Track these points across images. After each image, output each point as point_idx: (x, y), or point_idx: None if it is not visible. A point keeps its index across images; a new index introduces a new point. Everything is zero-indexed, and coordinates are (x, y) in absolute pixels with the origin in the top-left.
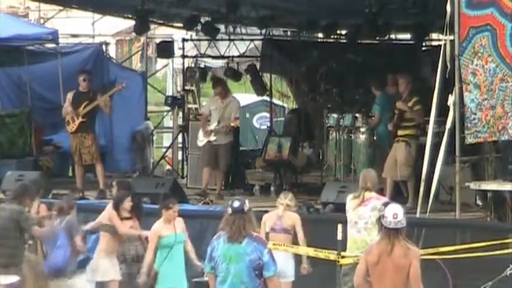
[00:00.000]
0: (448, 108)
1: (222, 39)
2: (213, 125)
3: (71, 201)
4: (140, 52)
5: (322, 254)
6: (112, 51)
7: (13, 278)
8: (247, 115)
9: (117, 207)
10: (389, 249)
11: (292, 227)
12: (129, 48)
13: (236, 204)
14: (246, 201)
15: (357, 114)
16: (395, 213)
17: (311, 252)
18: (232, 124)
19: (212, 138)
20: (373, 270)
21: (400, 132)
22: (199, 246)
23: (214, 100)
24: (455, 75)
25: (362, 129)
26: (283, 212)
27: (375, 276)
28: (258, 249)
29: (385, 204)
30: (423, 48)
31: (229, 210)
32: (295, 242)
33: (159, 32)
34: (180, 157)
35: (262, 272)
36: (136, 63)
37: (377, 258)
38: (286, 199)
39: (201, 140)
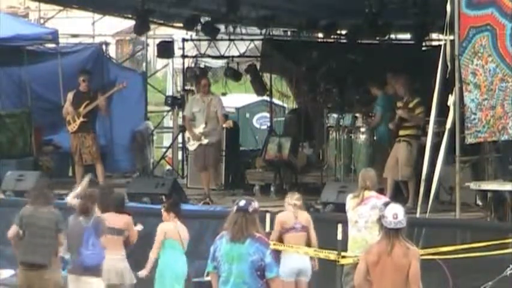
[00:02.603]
0: (448, 108)
1: (222, 39)
2: (200, 127)
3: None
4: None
5: (322, 254)
6: (112, 51)
7: (8, 272)
8: (247, 115)
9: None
10: (389, 249)
11: (308, 224)
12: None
13: (241, 203)
14: (254, 202)
15: (357, 114)
16: (396, 213)
17: (311, 252)
18: (224, 125)
19: (204, 141)
20: (373, 270)
21: (401, 132)
22: (199, 246)
23: (195, 101)
24: (455, 75)
25: (362, 129)
26: (296, 211)
27: (374, 276)
28: (260, 250)
29: (386, 204)
30: (423, 48)
31: (234, 209)
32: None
33: (159, 32)
34: (180, 157)
35: (264, 273)
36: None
37: (377, 257)
38: (293, 199)
39: (192, 144)
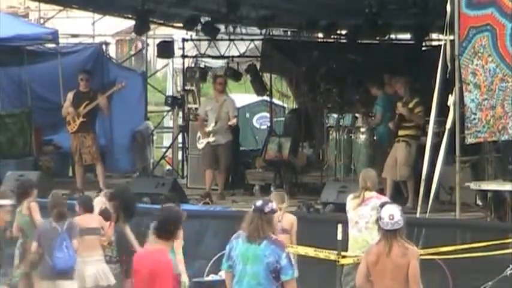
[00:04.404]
0: (448, 108)
1: (222, 39)
2: (210, 126)
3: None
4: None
5: (322, 254)
6: (112, 51)
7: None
8: (247, 115)
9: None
10: (387, 250)
11: (290, 227)
12: (129, 48)
13: (258, 203)
14: (272, 203)
15: (357, 114)
16: (392, 214)
17: (311, 252)
18: (229, 123)
19: (211, 139)
20: (373, 271)
21: (400, 133)
22: (199, 246)
23: (209, 100)
24: (455, 75)
25: (362, 129)
26: (280, 214)
27: (375, 277)
28: (275, 253)
29: (382, 206)
30: (423, 48)
31: (252, 208)
32: None
33: (159, 32)
34: (180, 157)
35: (280, 276)
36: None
37: (376, 258)
38: (278, 203)
39: (201, 142)
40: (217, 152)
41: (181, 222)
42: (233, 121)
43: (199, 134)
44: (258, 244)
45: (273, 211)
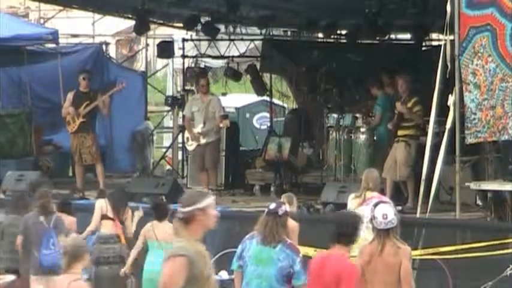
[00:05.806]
0: (448, 108)
1: (222, 39)
2: (199, 127)
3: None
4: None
5: None
6: (112, 51)
7: (10, 277)
8: (247, 115)
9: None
10: (379, 249)
11: (290, 233)
12: (129, 48)
13: (272, 206)
14: (285, 206)
15: (357, 114)
16: (385, 213)
17: (311, 252)
18: (221, 125)
19: (202, 141)
20: (366, 270)
21: (400, 133)
22: None
23: (194, 101)
24: (455, 75)
25: (362, 129)
26: None
27: (367, 276)
28: (290, 257)
29: (375, 205)
30: (423, 48)
31: (265, 211)
32: None
33: (159, 32)
34: (180, 157)
35: (292, 280)
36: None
37: (368, 257)
38: (291, 206)
39: (190, 144)
40: (205, 151)
41: (360, 225)
42: (225, 122)
43: (187, 135)
44: (273, 247)
45: (286, 213)
